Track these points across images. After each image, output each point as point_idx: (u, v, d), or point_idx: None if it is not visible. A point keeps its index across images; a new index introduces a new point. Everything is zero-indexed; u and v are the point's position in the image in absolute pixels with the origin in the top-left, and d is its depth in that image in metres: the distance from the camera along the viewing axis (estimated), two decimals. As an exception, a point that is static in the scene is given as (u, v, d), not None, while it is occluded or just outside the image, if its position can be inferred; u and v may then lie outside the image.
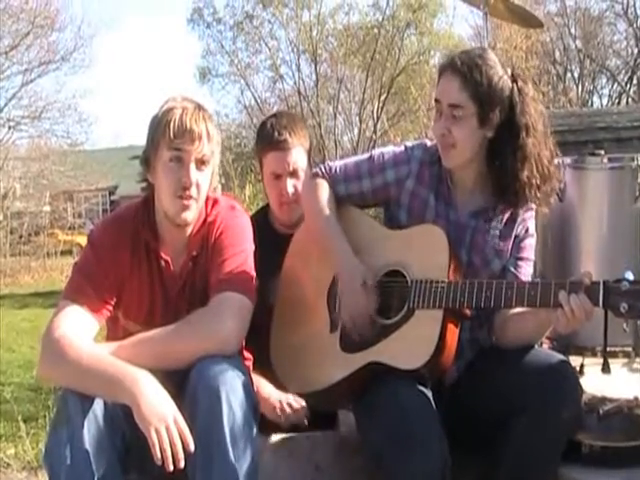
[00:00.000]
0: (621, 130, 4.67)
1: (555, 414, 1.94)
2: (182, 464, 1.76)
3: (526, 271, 2.20)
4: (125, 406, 1.81)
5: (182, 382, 1.88)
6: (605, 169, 2.85)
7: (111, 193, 30.86)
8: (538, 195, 2.12)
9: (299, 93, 23.79)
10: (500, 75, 2.08)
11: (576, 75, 22.05)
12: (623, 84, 21.33)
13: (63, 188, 24.03)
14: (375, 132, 21.64)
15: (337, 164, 2.31)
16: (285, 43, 24.35)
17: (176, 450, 1.76)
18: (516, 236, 2.20)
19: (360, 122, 23.32)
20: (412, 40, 23.54)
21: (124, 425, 1.86)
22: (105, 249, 2.07)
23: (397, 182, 2.22)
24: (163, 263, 2.10)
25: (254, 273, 2.10)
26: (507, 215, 2.19)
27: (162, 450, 1.75)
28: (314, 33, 23.46)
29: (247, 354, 2.22)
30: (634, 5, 20.75)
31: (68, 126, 23.52)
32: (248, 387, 1.90)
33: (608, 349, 2.07)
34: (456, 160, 2.13)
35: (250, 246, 2.15)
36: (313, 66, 23.81)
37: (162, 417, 1.77)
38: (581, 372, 2.49)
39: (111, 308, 2.06)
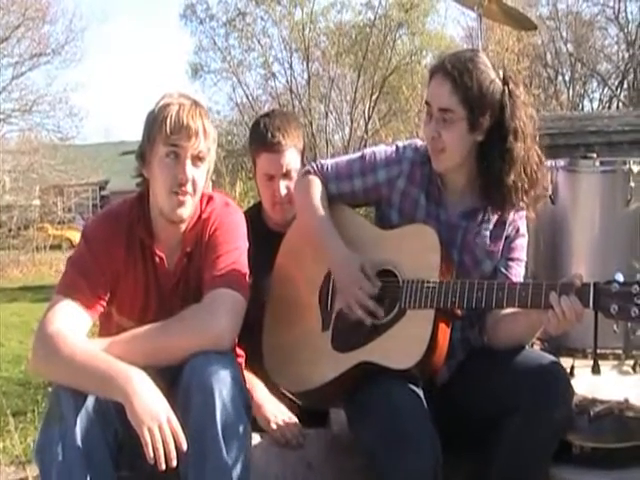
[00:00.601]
0: (612, 134, 4.70)
1: (546, 414, 1.94)
2: (174, 463, 1.76)
3: (517, 272, 2.20)
4: (118, 403, 1.80)
5: (175, 379, 1.87)
6: (597, 172, 2.86)
7: (101, 188, 30.76)
8: (525, 199, 2.13)
9: (291, 91, 23.81)
10: (491, 79, 2.07)
11: (567, 78, 22.17)
12: (614, 88, 21.43)
13: (53, 182, 23.96)
14: (366, 131, 21.68)
15: (329, 162, 2.31)
16: (277, 41, 24.36)
17: (169, 449, 1.75)
18: (507, 237, 2.20)
19: (351, 121, 23.37)
20: (404, 40, 23.58)
21: (116, 422, 1.86)
22: (99, 244, 2.07)
23: (388, 182, 2.22)
24: (157, 259, 2.10)
25: (248, 270, 2.10)
26: (497, 216, 2.19)
27: (155, 449, 1.74)
28: (306, 31, 23.46)
29: (240, 351, 2.22)
30: (625, 10, 20.90)
31: (59, 120, 23.51)
32: (241, 384, 1.90)
33: (599, 351, 2.08)
34: (446, 164, 2.14)
35: (244, 243, 2.15)
36: (305, 64, 23.83)
37: (155, 416, 1.77)
38: (572, 374, 2.51)
39: (105, 304, 2.06)
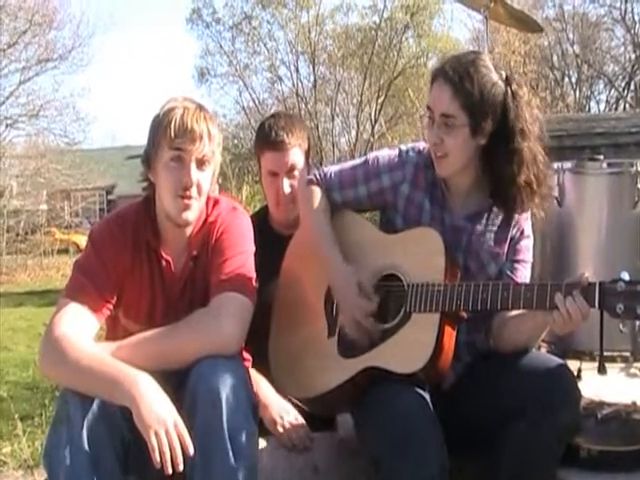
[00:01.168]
0: (619, 136, 4.69)
1: (552, 418, 1.93)
2: (181, 467, 1.76)
3: (522, 274, 2.20)
4: (125, 407, 1.80)
5: (181, 383, 1.87)
6: (604, 174, 2.86)
7: (108, 192, 30.85)
8: (535, 199, 2.12)
9: (297, 95, 23.83)
10: (493, 82, 2.06)
11: (574, 80, 22.13)
12: (620, 90, 21.39)
13: (60, 187, 23.99)
14: (373, 134, 21.68)
15: (332, 170, 2.31)
16: (284, 44, 24.40)
17: (175, 454, 1.75)
18: (511, 238, 2.19)
19: (358, 124, 23.38)
20: (410, 43, 23.59)
21: (123, 426, 1.86)
22: (106, 248, 2.07)
23: (392, 187, 2.22)
24: (164, 263, 2.10)
25: (254, 274, 2.10)
26: (502, 218, 2.18)
27: (161, 453, 1.74)
28: (312, 34, 23.49)
29: (246, 355, 2.22)
30: (632, 11, 20.85)
31: (65, 125, 23.55)
32: (248, 388, 1.90)
33: (606, 354, 2.07)
34: (449, 169, 2.13)
35: (251, 247, 2.15)
36: (311, 68, 23.85)
37: (162, 420, 1.77)
38: (579, 376, 2.50)
39: (111, 307, 2.06)
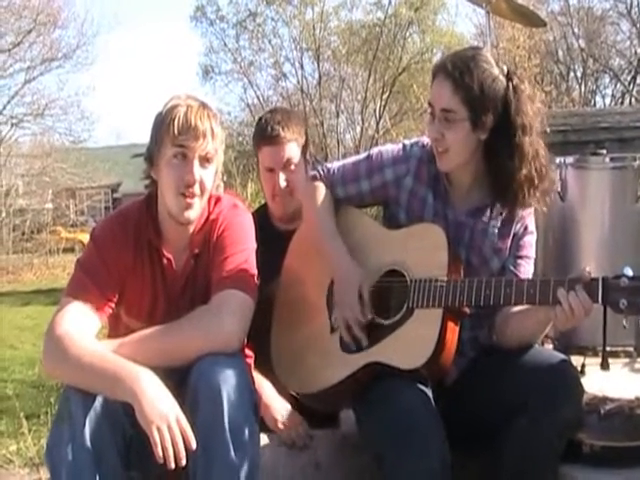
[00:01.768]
0: (624, 130, 4.67)
1: (554, 413, 1.93)
2: (184, 463, 1.76)
3: (525, 269, 2.19)
4: (127, 404, 1.81)
5: (183, 380, 1.88)
6: (607, 169, 2.85)
7: (114, 191, 30.92)
8: (537, 194, 2.12)
9: (302, 91, 23.80)
10: (494, 76, 2.06)
11: (579, 75, 22.06)
12: (626, 84, 21.32)
13: (65, 185, 24.08)
14: (377, 131, 21.65)
15: (335, 166, 2.31)
16: (288, 41, 24.36)
17: (178, 449, 1.76)
18: (514, 234, 2.19)
19: (362, 121, 23.34)
20: (414, 38, 23.54)
21: (126, 422, 1.86)
22: (108, 246, 2.07)
23: (396, 180, 2.22)
24: (165, 261, 2.10)
25: (256, 271, 2.10)
26: (505, 213, 2.18)
27: (164, 449, 1.75)
28: (317, 31, 23.46)
29: (248, 352, 2.22)
30: (638, 5, 20.74)
31: (70, 123, 23.61)
32: (249, 385, 1.91)
33: (610, 349, 2.07)
34: (450, 164, 2.13)
35: (252, 244, 2.16)
36: (316, 64, 23.82)
37: (164, 416, 1.77)
38: (582, 372, 2.49)
39: (113, 305, 2.06)
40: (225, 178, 2.28)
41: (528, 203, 2.14)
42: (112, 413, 1.85)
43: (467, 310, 2.04)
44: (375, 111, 22.77)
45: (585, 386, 2.04)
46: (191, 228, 2.11)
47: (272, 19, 24.54)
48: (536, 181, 2.09)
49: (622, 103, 20.37)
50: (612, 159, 2.85)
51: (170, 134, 2.02)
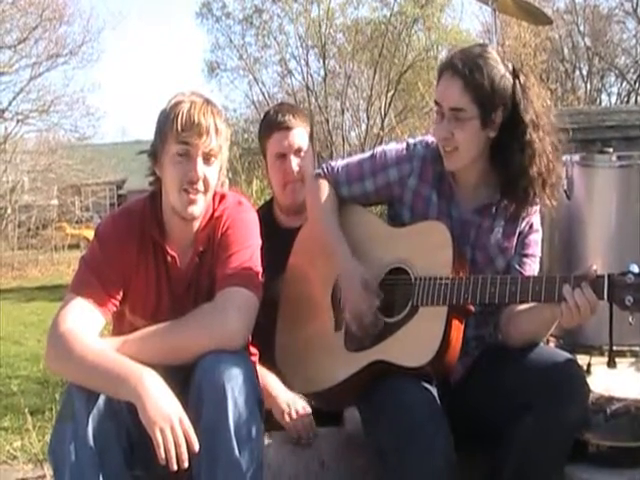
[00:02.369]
0: (630, 129, 4.65)
1: (559, 413, 1.93)
2: (186, 464, 1.76)
3: (531, 268, 2.18)
4: (130, 403, 1.80)
5: (186, 378, 1.87)
6: (614, 167, 2.83)
7: (119, 187, 30.94)
8: (546, 190, 2.11)
9: (307, 88, 23.77)
10: (502, 74, 2.05)
11: (585, 73, 22.00)
12: (632, 82, 21.25)
13: (71, 182, 24.11)
14: (382, 128, 21.57)
15: (339, 164, 2.30)
16: (294, 38, 24.32)
17: (180, 450, 1.75)
18: (520, 232, 2.18)
19: (368, 118, 23.28)
20: (420, 36, 23.49)
21: (129, 422, 1.86)
22: (112, 243, 2.07)
23: (400, 180, 2.21)
24: (169, 259, 2.10)
25: (260, 268, 2.09)
26: (511, 211, 2.17)
27: (166, 450, 1.74)
28: (323, 28, 23.42)
29: (253, 349, 2.22)
30: (644, 4, 20.66)
31: (76, 120, 23.58)
32: (254, 383, 1.90)
33: (616, 348, 2.05)
34: (459, 163, 2.12)
35: (257, 241, 2.15)
36: (321, 61, 23.78)
37: (167, 417, 1.77)
38: (588, 371, 2.48)
39: (117, 303, 2.06)
40: (230, 175, 2.27)
41: (537, 199, 2.13)
42: (116, 412, 1.85)
43: (472, 308, 2.03)
44: (380, 109, 22.71)
45: (591, 385, 2.03)
46: (195, 225, 2.11)
47: (278, 16, 24.52)
48: (545, 177, 2.08)
49: (628, 102, 20.33)
50: (619, 157, 2.83)
51: (173, 131, 2.02)
